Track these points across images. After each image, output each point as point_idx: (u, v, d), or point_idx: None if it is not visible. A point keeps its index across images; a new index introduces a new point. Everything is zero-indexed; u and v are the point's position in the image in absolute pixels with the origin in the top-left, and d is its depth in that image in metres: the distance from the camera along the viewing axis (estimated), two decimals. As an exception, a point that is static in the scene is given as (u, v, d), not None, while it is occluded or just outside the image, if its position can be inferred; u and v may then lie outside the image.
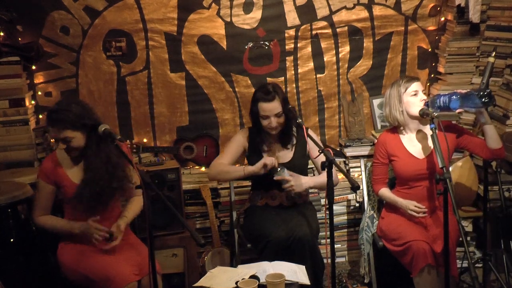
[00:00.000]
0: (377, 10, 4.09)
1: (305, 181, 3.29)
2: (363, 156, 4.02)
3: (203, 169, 4.14)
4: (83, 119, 2.83)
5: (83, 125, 2.84)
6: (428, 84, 4.27)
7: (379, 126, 4.23)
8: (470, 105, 3.00)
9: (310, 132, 3.38)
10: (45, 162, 3.02)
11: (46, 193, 3.01)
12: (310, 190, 3.78)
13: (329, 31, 4.09)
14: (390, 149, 3.34)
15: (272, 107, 3.22)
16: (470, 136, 3.34)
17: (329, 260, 2.82)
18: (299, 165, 3.41)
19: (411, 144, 3.32)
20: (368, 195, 3.75)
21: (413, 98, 3.24)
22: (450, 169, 3.69)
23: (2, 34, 3.64)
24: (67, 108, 2.82)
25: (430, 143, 3.28)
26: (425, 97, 3.26)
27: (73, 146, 2.86)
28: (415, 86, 3.25)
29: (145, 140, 4.12)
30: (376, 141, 3.49)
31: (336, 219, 4.11)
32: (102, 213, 2.97)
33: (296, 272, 2.79)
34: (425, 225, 3.26)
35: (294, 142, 3.43)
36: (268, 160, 3.21)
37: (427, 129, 3.26)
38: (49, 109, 2.89)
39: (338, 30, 4.10)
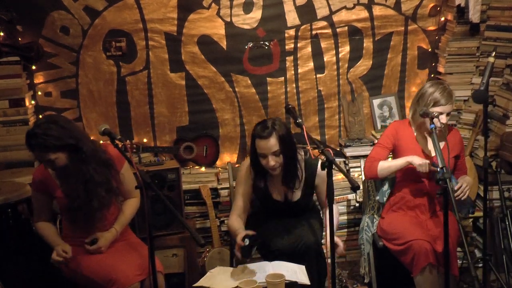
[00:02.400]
0: (377, 10, 4.09)
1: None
2: (363, 156, 4.02)
3: (203, 169, 4.14)
4: (63, 139, 2.75)
5: (64, 145, 2.77)
6: (428, 84, 4.27)
7: (379, 126, 4.23)
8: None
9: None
10: (36, 173, 2.97)
11: (40, 202, 3.00)
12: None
13: (329, 31, 4.09)
14: (402, 138, 3.31)
15: (268, 145, 2.92)
16: (462, 160, 3.40)
17: (329, 260, 2.81)
18: (305, 204, 3.23)
19: (422, 141, 3.31)
20: (368, 195, 3.74)
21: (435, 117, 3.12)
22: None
23: (2, 34, 3.64)
24: (45, 132, 2.72)
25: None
26: (446, 121, 3.17)
27: (58, 165, 2.81)
28: (443, 108, 3.13)
29: (145, 140, 4.12)
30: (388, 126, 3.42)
31: (336, 219, 4.11)
32: (97, 223, 2.96)
33: (296, 272, 2.78)
34: (425, 225, 3.26)
35: (303, 179, 3.15)
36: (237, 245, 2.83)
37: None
38: (27, 132, 2.77)
39: (338, 30, 4.10)
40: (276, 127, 2.94)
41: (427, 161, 3.13)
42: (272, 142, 2.92)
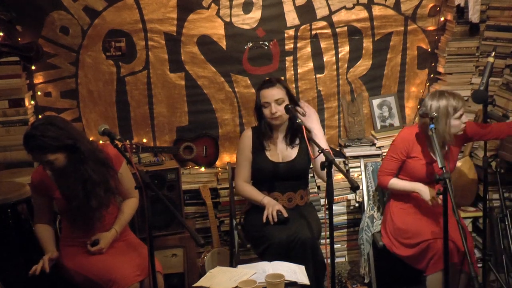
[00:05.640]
0: (376, 10, 4.09)
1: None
2: (362, 156, 4.02)
3: (202, 169, 4.14)
4: (61, 140, 2.76)
5: (62, 146, 2.77)
6: (428, 84, 4.27)
7: (378, 126, 4.23)
8: None
9: (317, 127, 3.37)
10: (34, 175, 2.97)
11: (39, 204, 3.00)
12: (310, 190, 3.78)
13: (328, 31, 4.09)
14: (414, 147, 3.30)
15: (272, 93, 3.24)
16: (482, 129, 3.36)
17: (329, 260, 2.82)
18: (302, 164, 3.40)
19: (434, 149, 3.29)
20: (368, 195, 3.74)
21: (458, 120, 3.18)
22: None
23: (1, 34, 3.63)
24: (43, 133, 2.72)
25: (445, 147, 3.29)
26: (467, 119, 3.21)
27: (57, 166, 2.81)
28: (463, 109, 3.18)
29: (144, 140, 4.12)
30: (399, 135, 3.40)
31: (336, 219, 4.11)
32: (96, 223, 2.95)
33: (296, 272, 2.79)
34: (439, 223, 3.21)
35: (298, 141, 3.41)
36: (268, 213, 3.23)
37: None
38: (25, 133, 2.76)
39: (337, 30, 4.10)
40: (281, 81, 3.33)
41: (434, 194, 3.16)
42: (275, 91, 3.25)
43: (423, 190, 3.20)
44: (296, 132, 3.36)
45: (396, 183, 3.35)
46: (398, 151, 3.34)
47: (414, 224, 3.23)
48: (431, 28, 4.18)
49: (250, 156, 3.41)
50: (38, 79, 3.94)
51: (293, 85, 4.16)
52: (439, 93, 3.23)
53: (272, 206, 3.22)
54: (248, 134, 3.45)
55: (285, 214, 3.20)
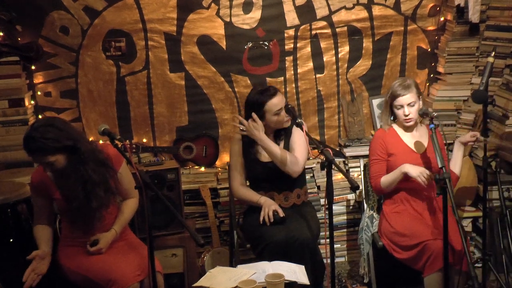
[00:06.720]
0: (376, 10, 4.09)
1: (262, 135, 3.26)
2: (362, 156, 4.02)
3: (202, 169, 4.14)
4: (61, 141, 2.75)
5: (62, 147, 2.76)
6: (428, 84, 4.27)
7: (378, 126, 4.22)
8: None
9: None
10: (33, 176, 2.97)
11: (39, 205, 2.99)
12: (309, 190, 3.78)
13: (328, 31, 4.09)
14: (389, 144, 3.33)
15: (280, 99, 3.27)
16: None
17: (329, 260, 2.82)
18: None
19: (409, 140, 3.34)
20: (368, 195, 3.74)
21: (398, 110, 3.27)
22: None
23: (1, 34, 3.64)
24: (43, 134, 2.71)
25: (423, 140, 3.34)
26: (407, 112, 3.23)
27: (57, 168, 2.81)
28: (402, 100, 3.23)
29: (144, 140, 4.12)
30: (372, 138, 3.46)
31: (336, 219, 4.11)
32: (96, 223, 2.95)
33: (296, 272, 2.78)
34: (435, 224, 3.22)
35: (284, 134, 3.42)
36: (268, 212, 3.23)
37: (420, 128, 3.37)
38: (25, 135, 2.76)
39: (337, 30, 4.10)
40: (274, 87, 3.34)
41: (422, 169, 3.15)
42: (280, 96, 3.30)
43: (409, 168, 3.17)
44: (279, 130, 3.38)
45: (386, 178, 3.33)
46: (377, 151, 3.36)
47: (409, 226, 3.22)
48: (431, 28, 4.18)
49: (242, 159, 3.42)
50: (38, 79, 3.94)
51: (293, 85, 4.16)
52: (402, 77, 3.38)
53: (268, 207, 3.22)
54: (237, 138, 3.45)
55: (281, 214, 3.20)
